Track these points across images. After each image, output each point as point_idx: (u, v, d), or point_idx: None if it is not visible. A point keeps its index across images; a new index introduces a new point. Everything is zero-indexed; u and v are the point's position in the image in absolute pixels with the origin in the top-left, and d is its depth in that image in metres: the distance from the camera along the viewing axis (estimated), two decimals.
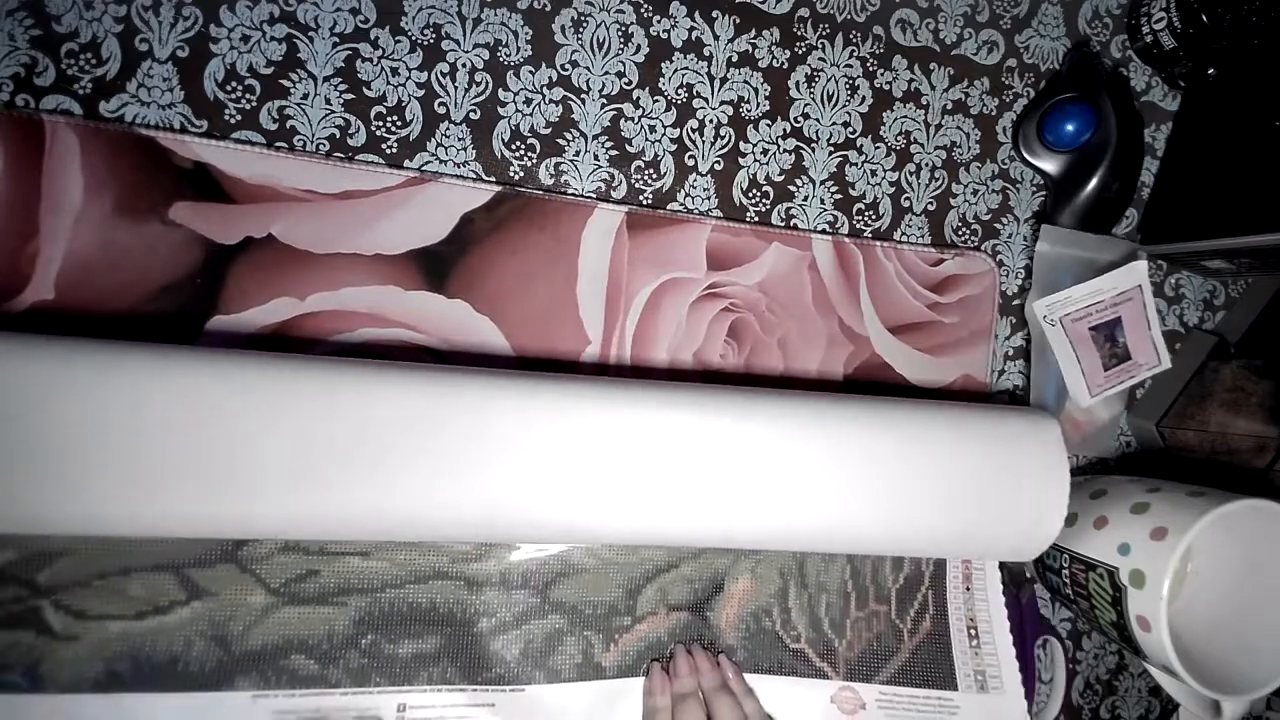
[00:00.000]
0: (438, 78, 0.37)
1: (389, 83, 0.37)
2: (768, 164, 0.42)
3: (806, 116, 0.42)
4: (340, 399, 0.29)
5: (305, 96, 0.36)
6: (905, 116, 0.43)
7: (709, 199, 0.41)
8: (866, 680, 0.39)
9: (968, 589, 0.41)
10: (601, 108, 0.39)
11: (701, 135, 0.41)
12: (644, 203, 0.40)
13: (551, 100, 0.39)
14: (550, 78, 0.39)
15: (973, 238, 0.45)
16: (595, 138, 0.39)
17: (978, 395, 0.44)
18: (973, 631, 0.41)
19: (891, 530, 0.35)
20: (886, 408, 0.36)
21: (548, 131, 0.39)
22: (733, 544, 0.35)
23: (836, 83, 0.42)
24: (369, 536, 0.32)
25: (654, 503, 0.32)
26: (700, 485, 0.33)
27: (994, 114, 0.45)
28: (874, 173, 0.43)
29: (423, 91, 0.37)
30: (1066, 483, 0.36)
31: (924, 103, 0.44)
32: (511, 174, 0.38)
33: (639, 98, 0.40)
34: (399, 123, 0.37)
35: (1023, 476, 0.36)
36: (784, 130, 0.42)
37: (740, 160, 0.41)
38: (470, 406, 0.31)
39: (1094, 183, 0.44)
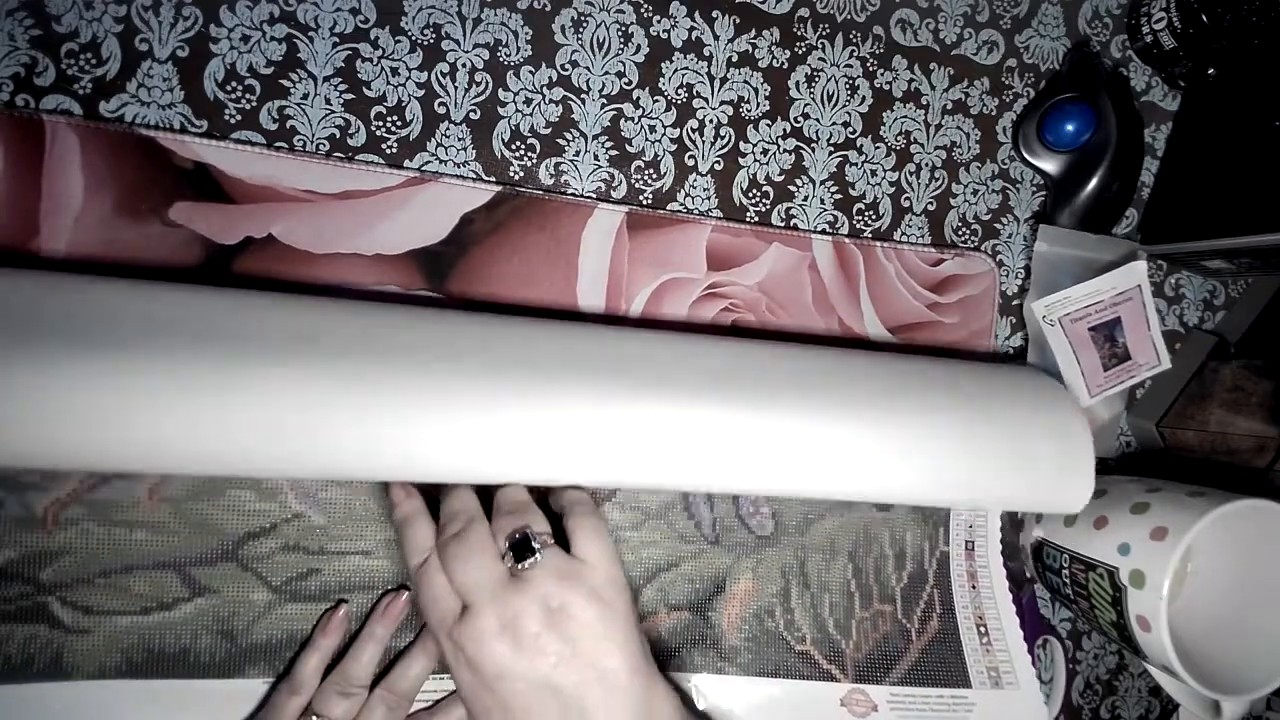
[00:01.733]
0: (438, 78, 0.37)
1: (389, 83, 0.37)
2: (768, 164, 0.42)
3: (806, 116, 0.42)
4: (330, 335, 0.29)
5: (305, 96, 0.36)
6: (905, 116, 0.43)
7: (709, 199, 0.41)
8: (877, 682, 0.39)
9: (974, 587, 0.41)
10: (601, 108, 0.39)
11: (701, 135, 0.41)
12: (644, 203, 0.40)
13: (551, 100, 0.39)
14: (550, 78, 0.39)
15: (973, 238, 0.45)
16: (595, 138, 0.39)
17: None
18: (982, 629, 0.40)
19: (919, 483, 0.35)
20: (907, 362, 0.36)
21: (548, 131, 0.39)
22: (756, 490, 0.35)
23: (836, 83, 0.42)
24: (359, 476, 0.31)
25: (670, 448, 0.32)
26: (721, 433, 0.32)
27: (994, 114, 0.45)
28: (874, 173, 0.43)
29: (423, 91, 0.37)
30: (1090, 441, 0.37)
31: (924, 103, 0.44)
32: (511, 174, 0.38)
33: (639, 98, 0.40)
34: (399, 123, 0.37)
35: (1042, 434, 0.36)
36: (784, 130, 0.42)
37: (740, 160, 0.41)
38: (470, 346, 0.30)
39: (1094, 183, 0.44)
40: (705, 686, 0.37)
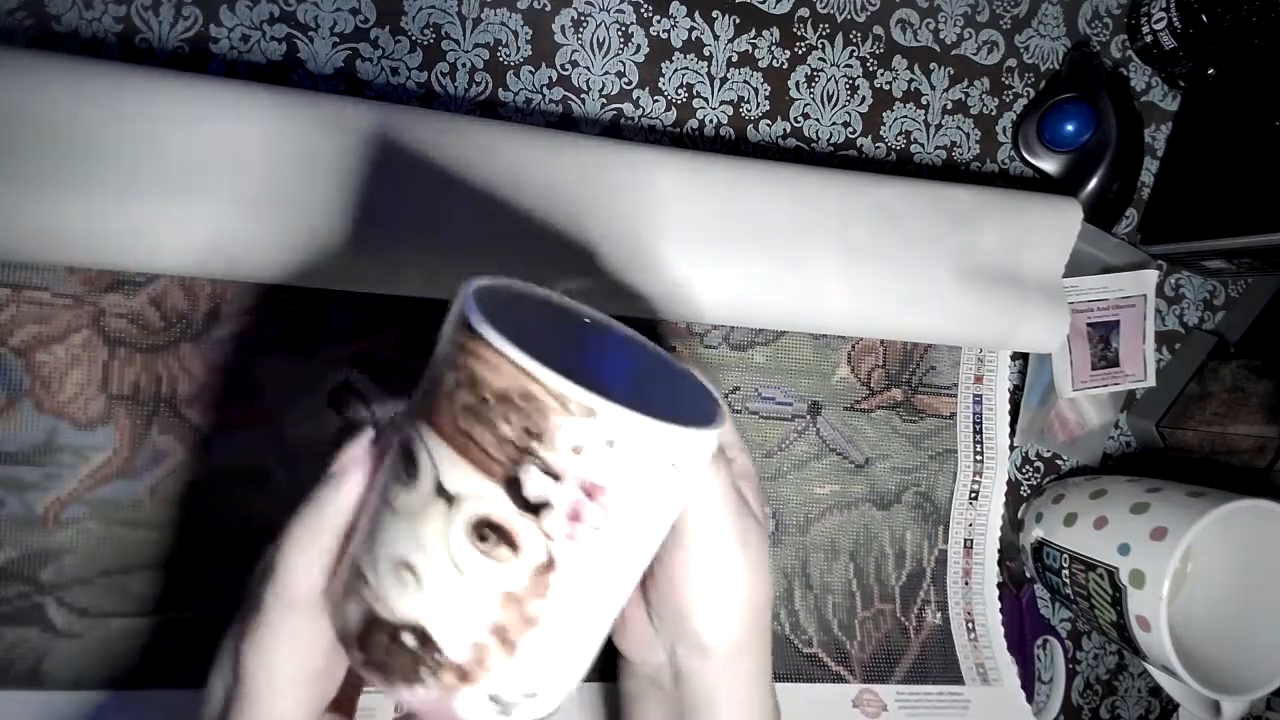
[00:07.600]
0: (438, 78, 0.37)
1: (389, 83, 0.37)
2: None
3: (806, 116, 0.42)
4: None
5: None
6: (905, 116, 0.43)
7: None
8: (883, 681, 0.39)
9: (966, 583, 0.41)
10: (601, 108, 0.39)
11: (701, 135, 0.41)
12: None
13: (551, 100, 0.39)
14: (550, 78, 0.39)
15: None
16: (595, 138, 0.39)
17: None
18: (970, 625, 0.41)
19: (907, 310, 0.37)
20: (904, 184, 0.37)
21: None
22: (753, 322, 0.36)
23: (836, 83, 0.42)
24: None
25: (670, 268, 0.34)
26: (714, 255, 0.34)
27: (994, 114, 0.45)
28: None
29: (423, 91, 0.37)
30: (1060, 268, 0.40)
31: (924, 103, 0.44)
32: None
33: (639, 98, 0.40)
34: None
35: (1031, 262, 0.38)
36: (784, 130, 0.42)
37: None
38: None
39: (1094, 183, 0.44)
40: None
